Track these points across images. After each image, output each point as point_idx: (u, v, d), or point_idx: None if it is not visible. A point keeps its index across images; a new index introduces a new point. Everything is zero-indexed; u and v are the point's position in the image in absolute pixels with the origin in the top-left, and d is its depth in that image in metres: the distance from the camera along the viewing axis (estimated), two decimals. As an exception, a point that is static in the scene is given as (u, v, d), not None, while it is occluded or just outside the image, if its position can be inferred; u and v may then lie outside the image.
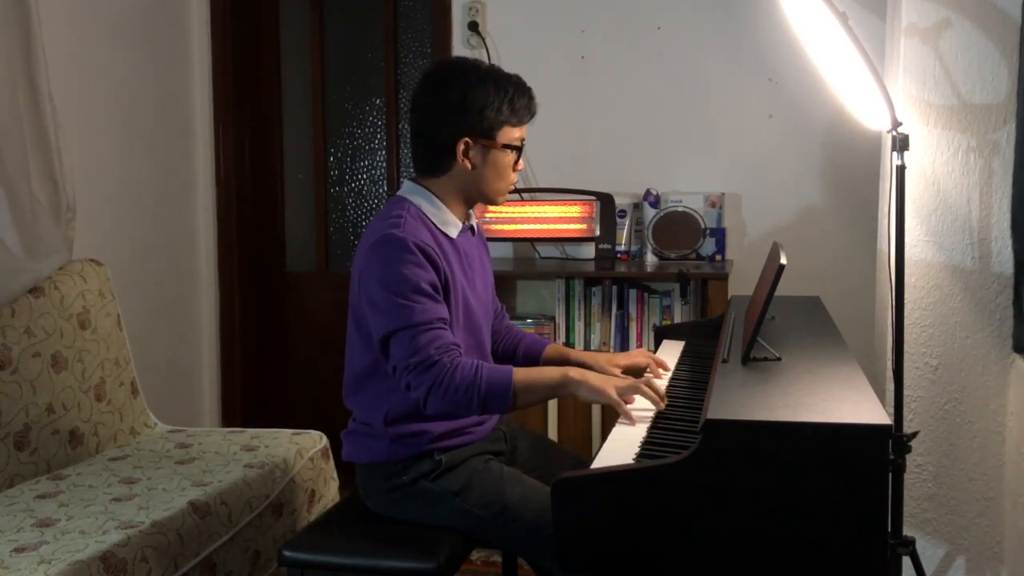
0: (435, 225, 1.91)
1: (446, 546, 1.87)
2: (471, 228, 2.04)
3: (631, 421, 1.79)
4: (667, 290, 3.18)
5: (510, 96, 1.88)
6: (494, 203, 2.00)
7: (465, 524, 1.90)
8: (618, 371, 2.09)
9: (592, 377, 1.82)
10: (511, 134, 1.91)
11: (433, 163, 1.92)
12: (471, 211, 2.03)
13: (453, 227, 1.94)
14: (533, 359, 2.18)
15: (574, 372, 1.83)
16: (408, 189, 1.95)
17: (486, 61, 1.92)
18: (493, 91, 1.87)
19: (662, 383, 2.08)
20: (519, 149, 1.94)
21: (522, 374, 1.80)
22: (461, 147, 1.88)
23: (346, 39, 3.80)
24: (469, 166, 1.90)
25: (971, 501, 2.35)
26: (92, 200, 3.00)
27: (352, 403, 1.99)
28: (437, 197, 1.93)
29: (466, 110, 1.86)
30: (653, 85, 3.36)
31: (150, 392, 3.09)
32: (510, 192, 2.02)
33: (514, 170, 1.95)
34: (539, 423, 3.04)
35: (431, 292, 1.80)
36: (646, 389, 1.82)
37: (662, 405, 1.83)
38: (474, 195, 1.96)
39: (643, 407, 1.85)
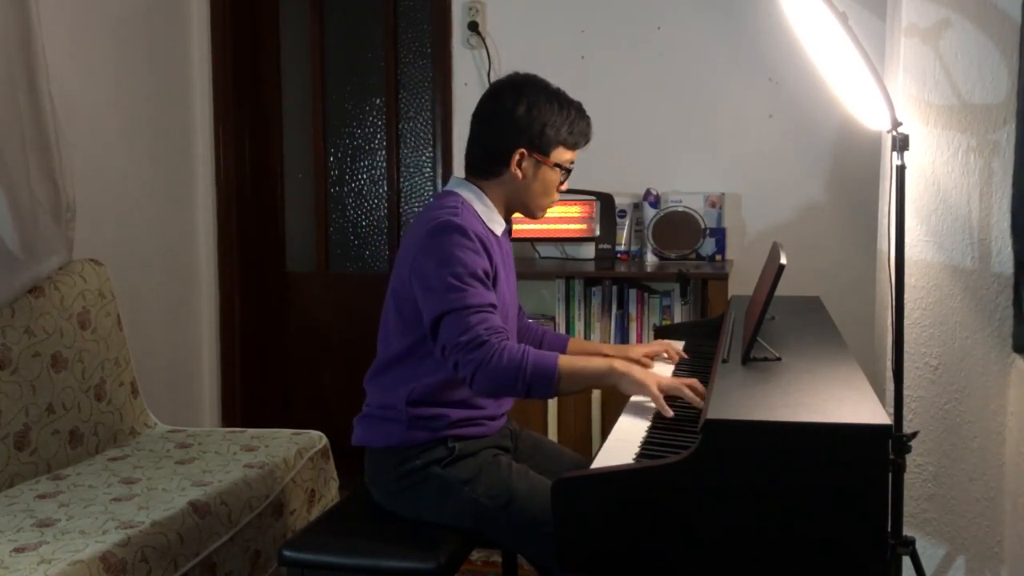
0: (483, 222, 1.98)
1: (446, 546, 1.87)
2: (509, 231, 2.12)
3: (669, 414, 1.82)
4: (667, 290, 3.18)
5: (572, 119, 1.99)
6: (533, 216, 2.08)
7: (470, 514, 1.92)
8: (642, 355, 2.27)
9: (636, 371, 1.87)
10: (564, 155, 2.01)
11: (486, 167, 2.01)
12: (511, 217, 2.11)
13: (498, 226, 2.03)
14: None
15: (619, 364, 1.87)
16: (458, 184, 2.03)
17: (552, 83, 2.02)
18: (558, 111, 1.97)
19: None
20: (568, 171, 2.03)
21: (567, 361, 1.84)
22: (516, 157, 1.97)
23: (346, 39, 3.80)
24: (520, 175, 1.98)
25: (971, 501, 2.35)
26: (92, 200, 3.00)
27: (374, 385, 2.02)
28: (487, 197, 2.01)
29: (530, 123, 1.95)
30: (653, 85, 3.36)
31: (150, 392, 3.09)
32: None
33: (558, 190, 2.04)
34: (539, 423, 3.04)
35: (484, 278, 1.87)
36: (688, 391, 1.84)
37: (701, 402, 1.83)
38: (517, 205, 2.05)
39: (644, 403, 1.86)
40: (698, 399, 1.83)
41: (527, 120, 1.95)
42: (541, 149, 1.97)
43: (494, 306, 1.87)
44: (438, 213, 1.91)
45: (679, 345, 2.40)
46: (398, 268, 1.96)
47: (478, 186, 2.01)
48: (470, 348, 1.80)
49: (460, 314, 1.82)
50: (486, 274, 1.88)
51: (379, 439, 2.00)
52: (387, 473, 1.99)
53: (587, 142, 2.06)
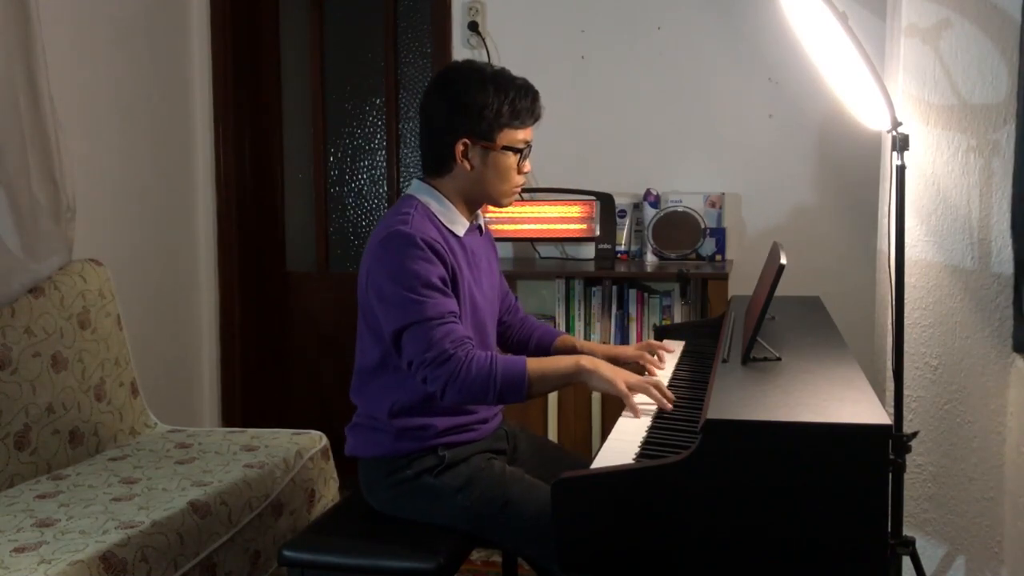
0: (442, 223, 1.93)
1: (446, 546, 1.87)
2: (479, 228, 2.06)
3: (636, 415, 1.82)
4: (667, 290, 3.18)
5: (511, 98, 1.89)
6: (498, 205, 1.99)
7: (466, 521, 1.90)
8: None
9: (604, 368, 1.85)
10: (512, 136, 1.91)
11: (436, 163, 1.95)
12: (478, 211, 2.04)
13: (460, 226, 1.96)
14: (544, 349, 2.23)
15: (586, 361, 1.85)
16: (416, 187, 1.98)
17: (496, 64, 1.95)
18: (493, 93, 1.87)
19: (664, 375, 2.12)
20: (522, 151, 1.94)
21: (535, 364, 1.83)
22: (460, 148, 1.90)
23: (346, 39, 3.80)
24: (468, 167, 1.91)
25: (971, 501, 2.35)
26: (92, 200, 3.00)
27: (358, 396, 2.00)
28: (444, 196, 1.95)
29: (465, 111, 1.87)
30: (653, 85, 3.36)
31: (150, 392, 3.09)
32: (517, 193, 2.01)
33: (519, 172, 1.96)
34: (539, 423, 3.04)
35: (440, 286, 1.83)
36: (654, 391, 1.85)
37: (668, 406, 1.84)
38: (478, 196, 1.97)
39: (645, 403, 1.87)
40: (663, 400, 1.83)
41: (462, 108, 1.87)
42: (483, 135, 1.88)
43: (455, 313, 1.83)
44: (390, 221, 1.87)
45: (676, 346, 2.39)
46: (360, 278, 1.92)
47: (434, 185, 1.95)
48: (437, 363, 1.77)
49: (422, 327, 1.78)
50: (443, 280, 1.83)
51: (368, 449, 1.97)
52: (379, 482, 1.97)
53: (536, 119, 1.95)
